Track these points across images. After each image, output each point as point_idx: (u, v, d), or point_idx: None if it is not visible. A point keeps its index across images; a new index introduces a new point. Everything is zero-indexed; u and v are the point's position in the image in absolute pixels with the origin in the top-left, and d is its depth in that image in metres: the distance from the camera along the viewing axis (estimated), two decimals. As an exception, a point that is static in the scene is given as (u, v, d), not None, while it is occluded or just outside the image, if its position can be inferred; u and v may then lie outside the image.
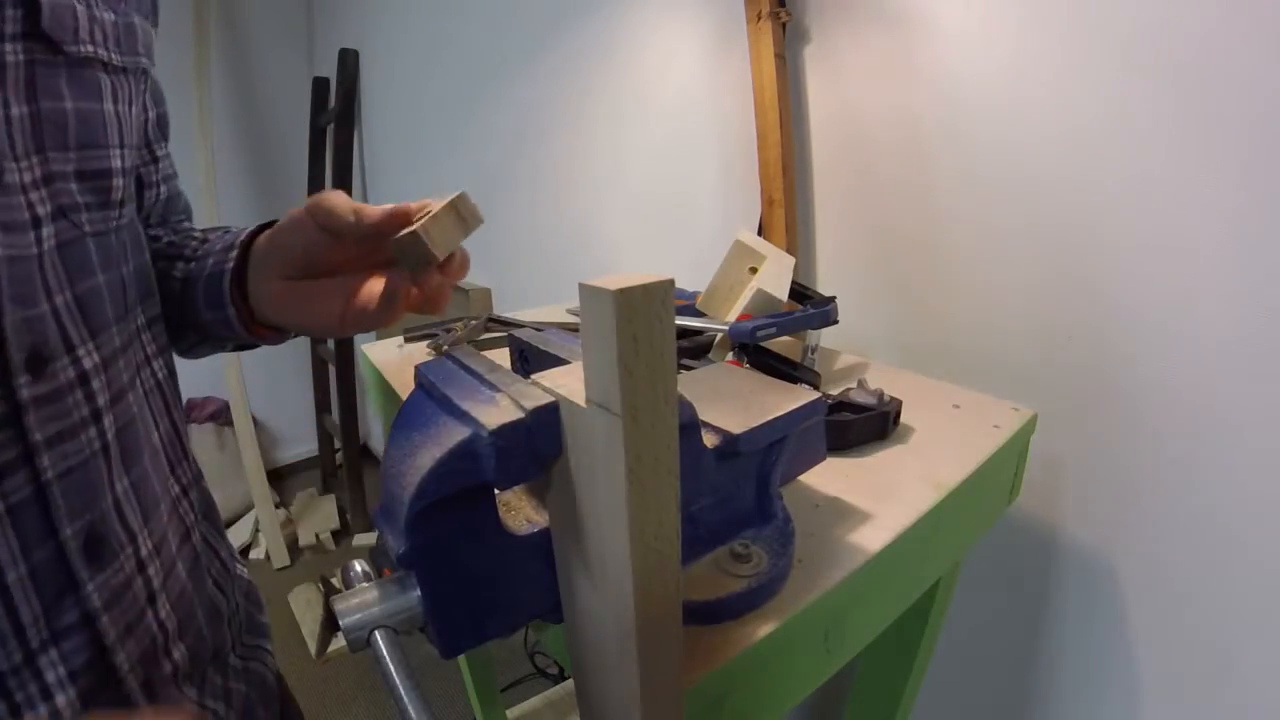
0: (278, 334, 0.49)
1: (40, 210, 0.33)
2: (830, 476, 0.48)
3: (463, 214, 0.37)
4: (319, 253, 0.41)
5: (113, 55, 0.37)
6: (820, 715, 1.00)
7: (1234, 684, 0.59)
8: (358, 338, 2.24)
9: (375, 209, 0.38)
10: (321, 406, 2.58)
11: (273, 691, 0.53)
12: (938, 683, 0.82)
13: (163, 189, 0.52)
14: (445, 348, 0.74)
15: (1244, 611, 0.57)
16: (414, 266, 0.38)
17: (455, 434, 0.26)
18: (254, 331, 0.47)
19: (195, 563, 0.46)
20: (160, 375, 0.45)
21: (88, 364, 0.35)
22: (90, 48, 0.35)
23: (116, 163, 0.38)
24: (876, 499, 0.45)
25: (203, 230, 0.53)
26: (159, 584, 0.40)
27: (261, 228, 0.46)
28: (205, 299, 0.47)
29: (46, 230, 0.33)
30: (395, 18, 1.85)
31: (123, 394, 0.38)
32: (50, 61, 0.33)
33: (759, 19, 0.77)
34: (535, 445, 0.26)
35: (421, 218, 0.36)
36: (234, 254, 0.46)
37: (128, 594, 0.37)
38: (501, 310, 1.24)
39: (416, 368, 0.33)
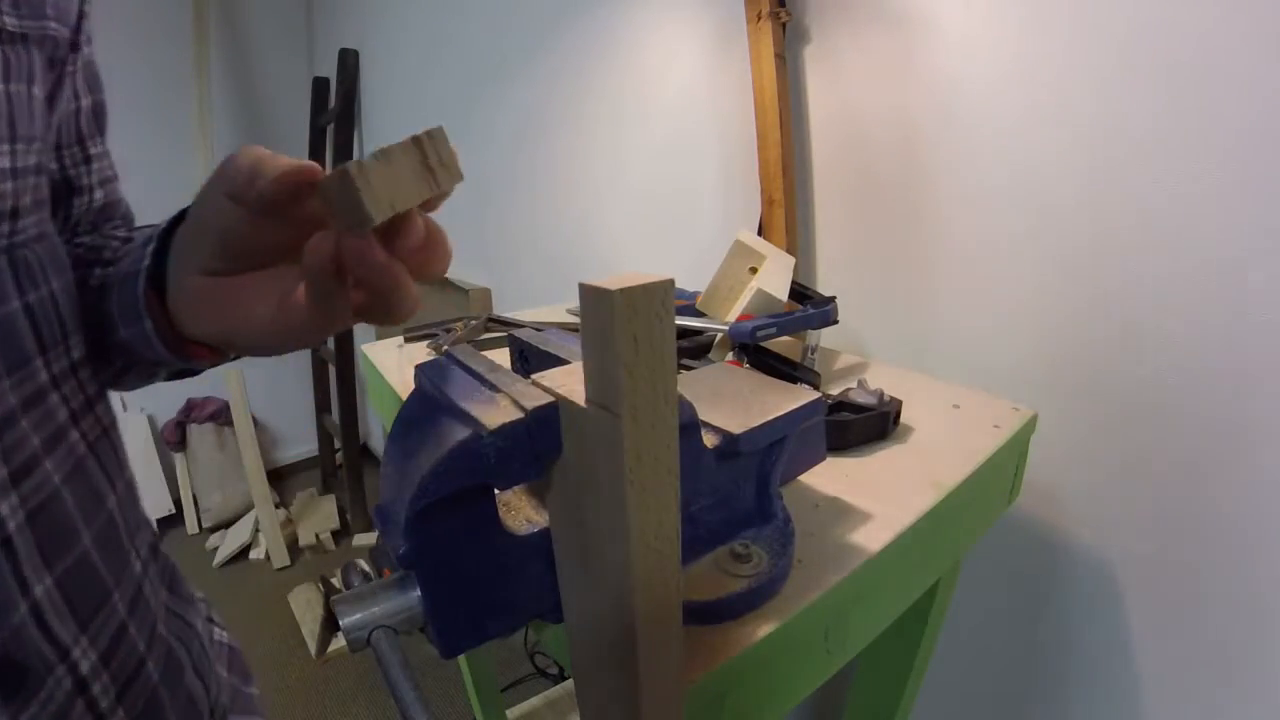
0: (211, 353, 0.37)
1: None
2: (830, 476, 0.48)
3: (429, 160, 0.24)
4: (238, 233, 0.29)
5: (6, 18, 0.30)
6: (820, 715, 1.00)
7: (1235, 684, 0.59)
8: (358, 336, 2.24)
9: (282, 162, 0.26)
10: (321, 406, 2.58)
11: None
12: (938, 683, 0.82)
13: (97, 194, 0.42)
14: (445, 348, 0.74)
15: (1244, 611, 0.57)
16: (348, 230, 0.24)
17: (455, 434, 0.26)
18: (183, 351, 0.36)
19: (169, 657, 0.38)
20: (106, 420, 0.37)
21: None
22: None
23: (4, 161, 0.29)
24: (876, 499, 0.45)
25: (131, 229, 0.44)
26: (109, 702, 0.32)
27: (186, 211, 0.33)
28: (120, 310, 0.36)
29: None
30: (395, 18, 1.85)
31: (34, 463, 0.30)
32: None
33: (759, 19, 0.77)
34: (535, 445, 0.26)
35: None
36: (151, 248, 0.34)
37: None
38: (501, 310, 1.24)
39: (416, 368, 0.33)
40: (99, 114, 0.42)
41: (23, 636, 0.28)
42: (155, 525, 0.40)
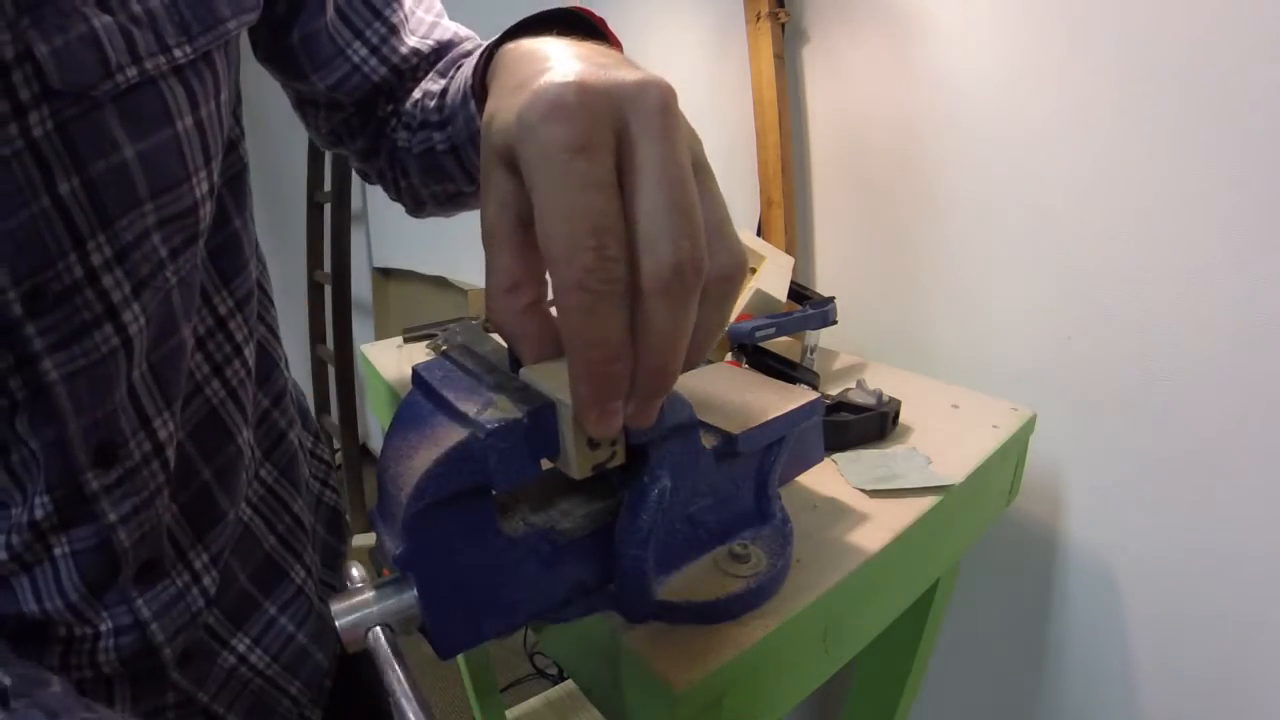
0: None
1: (116, 296, 0.30)
2: (829, 477, 0.48)
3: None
4: None
5: (177, 51, 0.30)
6: (820, 715, 1.00)
7: (1235, 684, 0.59)
8: (357, 336, 2.24)
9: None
10: (321, 407, 2.58)
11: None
12: (938, 683, 0.82)
13: (425, 43, 0.47)
14: (443, 348, 0.74)
15: (1244, 611, 0.57)
16: None
17: (452, 435, 0.26)
18: None
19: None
20: (250, 365, 0.41)
21: (163, 435, 0.35)
22: (133, 71, 0.29)
23: (203, 188, 0.33)
24: (875, 499, 0.45)
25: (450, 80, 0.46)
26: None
27: (493, 52, 0.35)
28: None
29: (128, 315, 0.30)
30: (394, 18, 1.84)
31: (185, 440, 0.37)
32: (89, 113, 0.28)
33: (758, 19, 0.77)
34: (534, 446, 0.26)
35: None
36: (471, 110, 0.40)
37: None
38: (501, 310, 1.24)
39: (414, 368, 0.33)
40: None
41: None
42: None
